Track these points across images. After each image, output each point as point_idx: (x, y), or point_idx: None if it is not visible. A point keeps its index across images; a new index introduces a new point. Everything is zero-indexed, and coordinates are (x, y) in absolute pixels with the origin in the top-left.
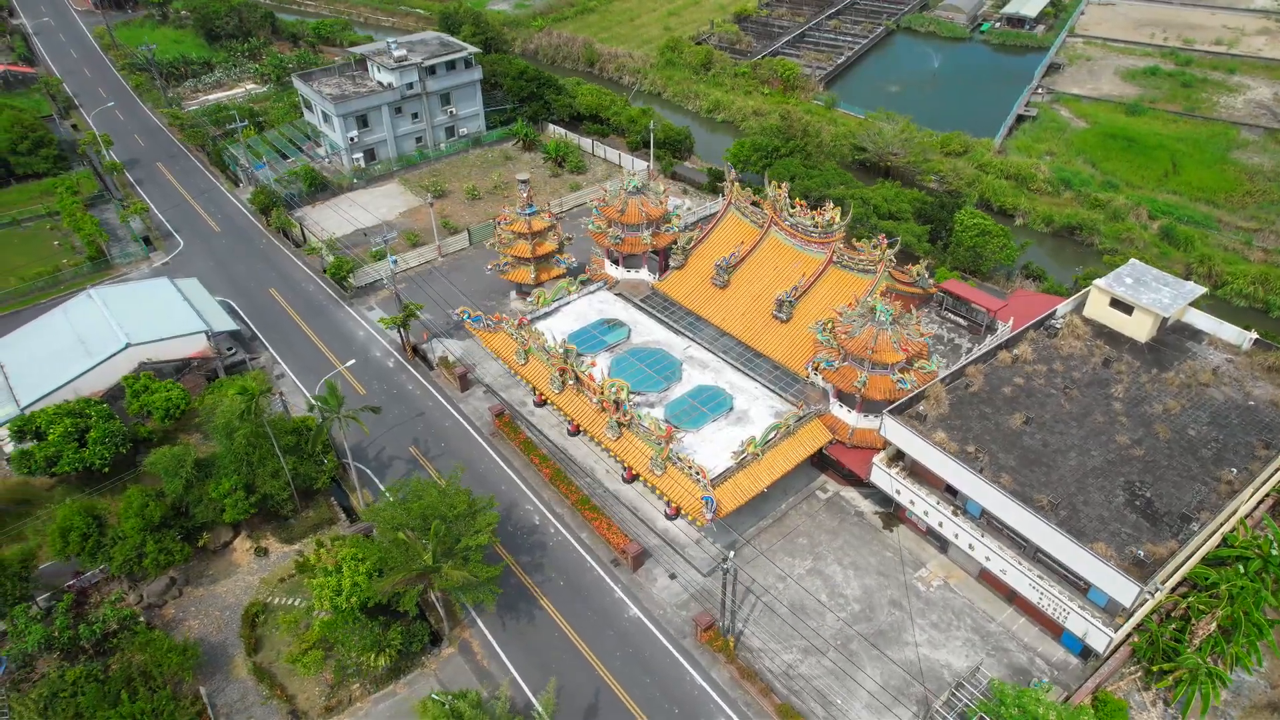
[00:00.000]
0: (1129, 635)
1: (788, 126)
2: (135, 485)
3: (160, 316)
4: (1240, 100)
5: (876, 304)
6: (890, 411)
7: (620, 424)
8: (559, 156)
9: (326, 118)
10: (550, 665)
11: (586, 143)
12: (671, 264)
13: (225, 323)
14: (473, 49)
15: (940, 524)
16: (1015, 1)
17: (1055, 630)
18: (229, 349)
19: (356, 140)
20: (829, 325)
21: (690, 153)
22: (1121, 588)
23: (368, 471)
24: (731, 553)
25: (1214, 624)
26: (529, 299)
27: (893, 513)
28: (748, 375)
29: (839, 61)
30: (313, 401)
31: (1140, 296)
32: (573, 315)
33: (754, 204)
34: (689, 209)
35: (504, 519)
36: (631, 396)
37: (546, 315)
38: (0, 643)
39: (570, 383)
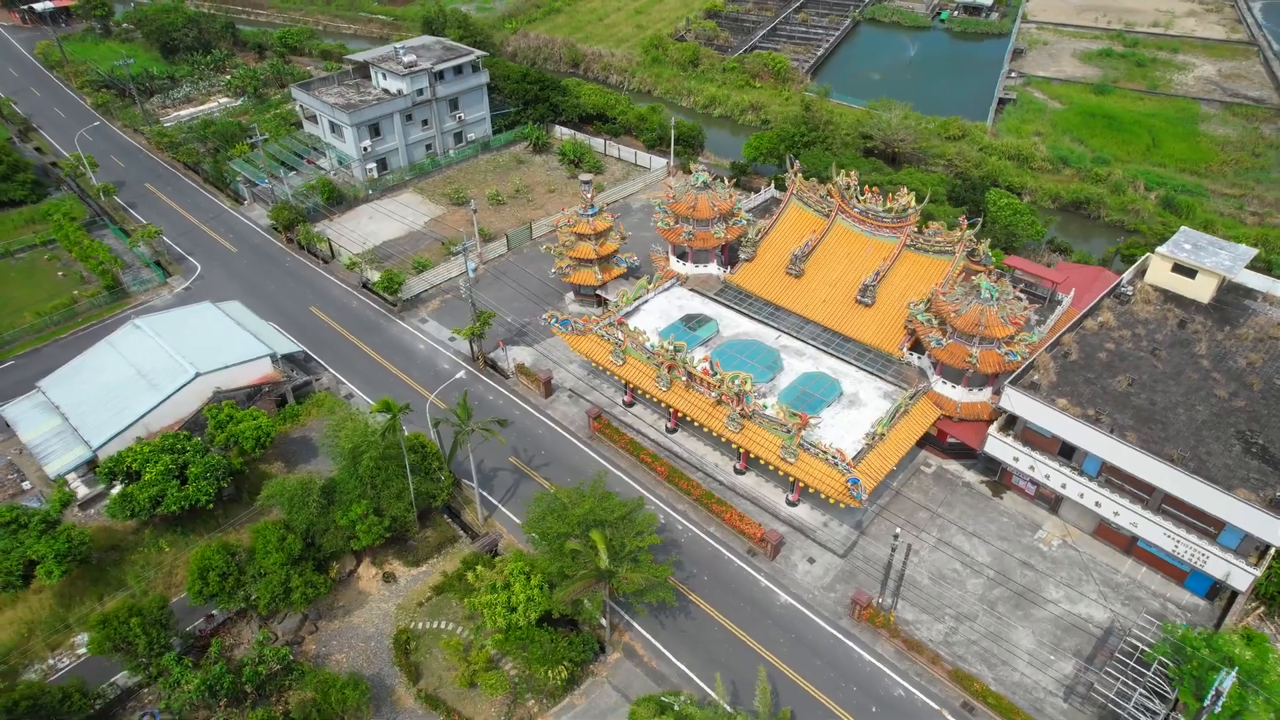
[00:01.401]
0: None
1: (810, 117)
2: (264, 520)
3: (219, 343)
4: (1191, 77)
5: (982, 282)
6: (1011, 383)
7: (743, 415)
8: (575, 157)
9: (335, 128)
10: (718, 659)
11: (598, 142)
12: (741, 256)
13: (286, 345)
14: (479, 53)
15: (1064, 485)
16: None
17: (1179, 576)
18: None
19: (370, 150)
20: (927, 304)
21: (702, 148)
22: (1270, 527)
23: (473, 485)
24: (899, 530)
25: None
26: (611, 300)
27: (999, 480)
28: (844, 360)
29: (819, 53)
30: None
31: (1203, 260)
32: (655, 313)
33: (825, 195)
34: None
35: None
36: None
37: (630, 315)
38: (138, 694)
39: (682, 379)
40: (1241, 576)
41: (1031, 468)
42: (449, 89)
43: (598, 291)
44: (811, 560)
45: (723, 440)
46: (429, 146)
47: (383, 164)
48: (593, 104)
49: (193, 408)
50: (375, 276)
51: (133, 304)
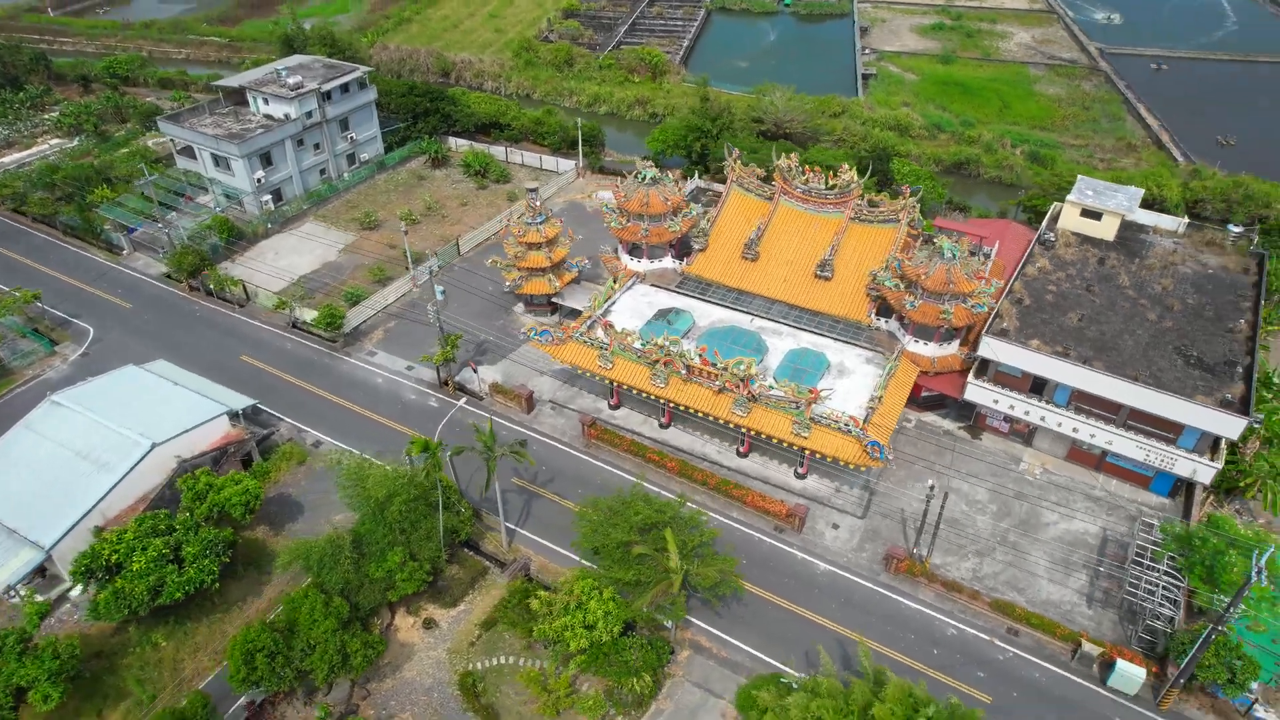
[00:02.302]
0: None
1: (709, 107)
2: (299, 589)
3: (163, 408)
4: (1013, 44)
5: (943, 243)
6: (987, 333)
7: (751, 399)
8: (480, 168)
9: (220, 161)
10: (784, 636)
11: (498, 151)
12: (695, 247)
13: (238, 399)
14: (365, 69)
15: (1043, 418)
16: None
17: (1144, 482)
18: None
19: (263, 181)
20: (895, 270)
21: (603, 147)
22: (1225, 423)
23: (497, 515)
24: (932, 481)
25: (1258, 441)
26: (575, 306)
27: (974, 425)
28: (820, 334)
29: (684, 44)
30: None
31: (1106, 203)
32: (627, 313)
33: (762, 179)
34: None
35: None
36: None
37: (603, 317)
38: None
39: (680, 372)
40: (1206, 471)
41: (1011, 406)
42: (338, 109)
43: (552, 299)
44: (835, 526)
45: (730, 426)
46: (323, 171)
47: (277, 194)
48: (485, 112)
49: (154, 483)
50: (310, 315)
51: (19, 381)
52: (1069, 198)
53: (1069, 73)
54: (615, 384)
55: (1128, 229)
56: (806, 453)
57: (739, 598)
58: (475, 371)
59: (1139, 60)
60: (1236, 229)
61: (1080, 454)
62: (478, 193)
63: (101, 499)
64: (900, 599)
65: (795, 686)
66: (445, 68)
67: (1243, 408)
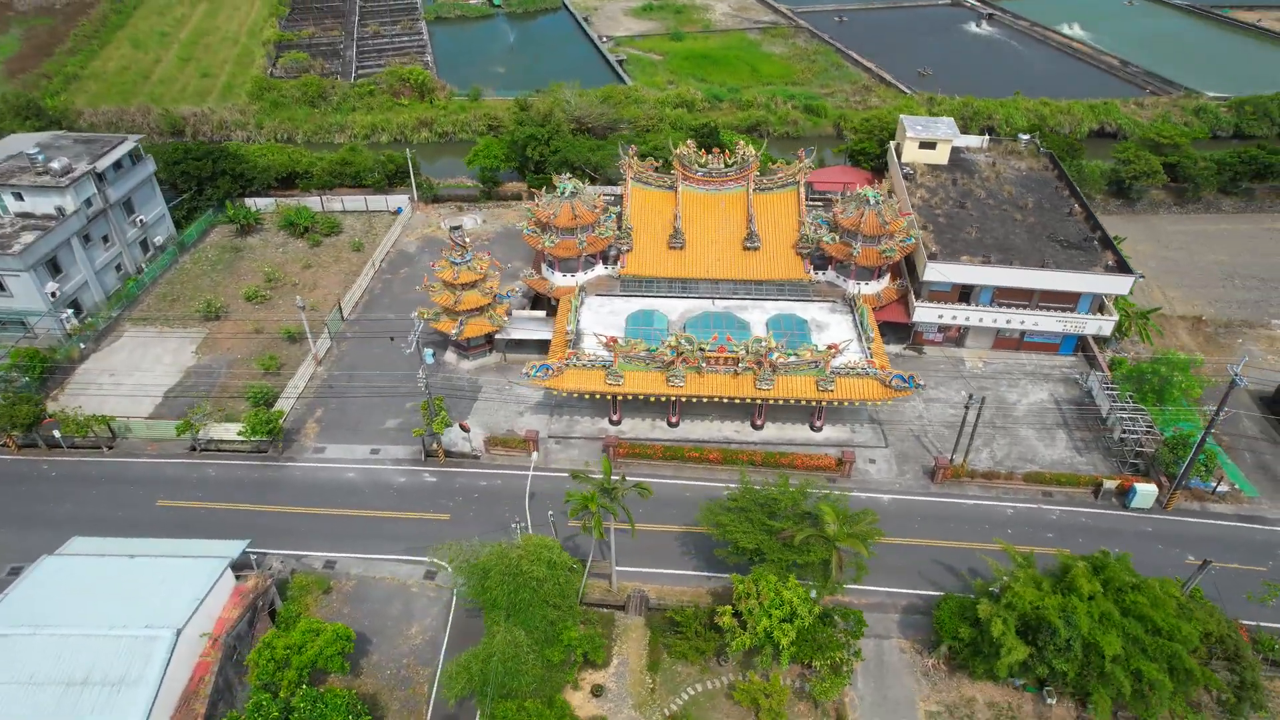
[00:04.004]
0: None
1: (531, 115)
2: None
3: (141, 588)
4: (719, 14)
5: (867, 192)
6: (930, 259)
7: (773, 370)
8: (306, 225)
9: None
10: (898, 568)
11: (313, 202)
12: (623, 249)
13: (221, 545)
14: (135, 137)
15: (981, 320)
16: None
17: (1054, 348)
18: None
19: (58, 295)
20: (830, 225)
21: (418, 174)
22: (1121, 283)
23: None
24: (970, 393)
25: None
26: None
27: (914, 343)
28: (778, 299)
29: (428, 59)
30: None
31: (938, 133)
32: (599, 327)
33: (657, 169)
34: (483, 220)
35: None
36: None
37: (579, 339)
38: None
39: (699, 366)
40: (1107, 325)
41: (954, 317)
42: (120, 190)
43: (495, 336)
44: (872, 461)
45: (755, 403)
46: (119, 267)
47: (75, 307)
48: (278, 163)
49: (183, 678)
50: (231, 429)
51: None
52: (909, 134)
53: (780, 33)
54: (617, 399)
55: (954, 152)
56: (823, 405)
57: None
58: (467, 431)
59: (824, 15)
60: (1025, 137)
61: (1004, 341)
62: (315, 251)
63: (150, 709)
64: (957, 500)
65: (974, 596)
66: (175, 125)
67: (1126, 268)
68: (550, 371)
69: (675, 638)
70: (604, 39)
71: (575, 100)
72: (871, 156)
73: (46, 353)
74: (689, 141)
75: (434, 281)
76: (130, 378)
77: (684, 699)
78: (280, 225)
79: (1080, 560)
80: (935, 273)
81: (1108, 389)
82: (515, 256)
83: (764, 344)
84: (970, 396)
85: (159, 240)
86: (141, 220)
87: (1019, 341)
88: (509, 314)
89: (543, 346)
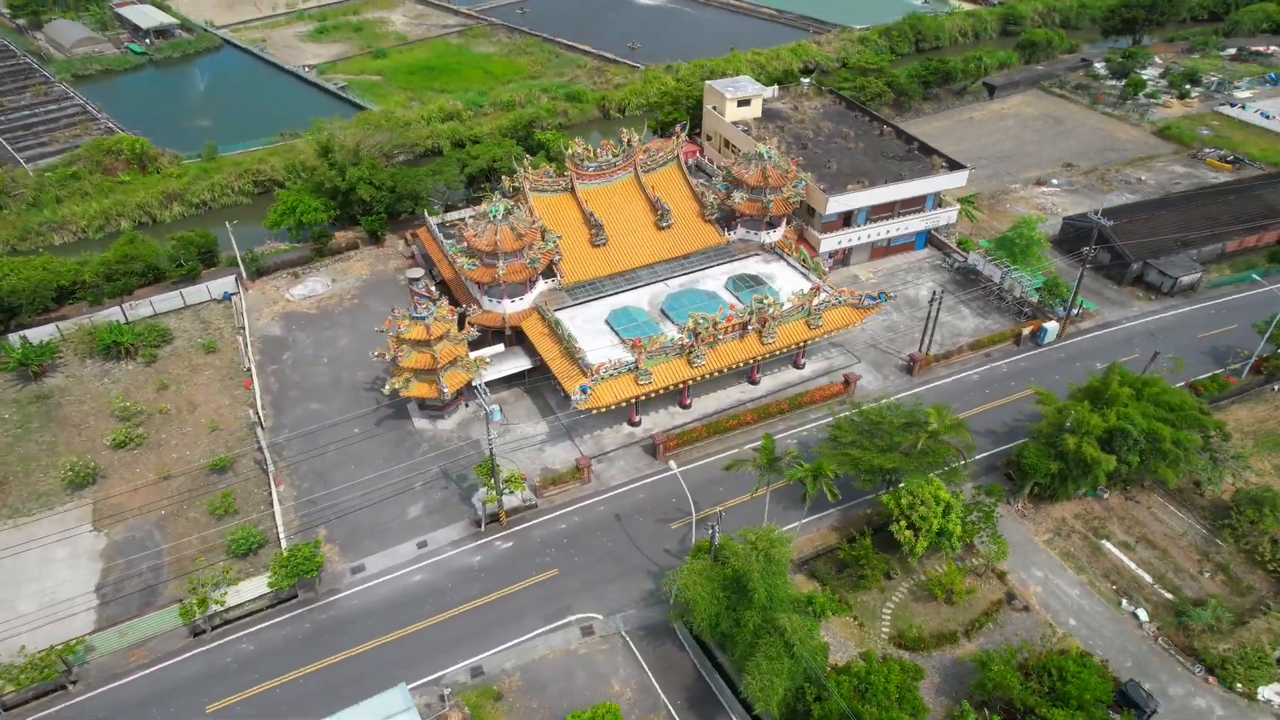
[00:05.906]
0: None
1: (334, 159)
2: None
3: None
4: (399, 26)
5: (762, 149)
6: (826, 194)
7: (775, 324)
8: (131, 345)
9: None
10: None
11: (113, 313)
12: (555, 258)
13: (393, 699)
14: None
15: (869, 236)
16: (134, 15)
17: (910, 247)
18: None
19: None
20: (733, 186)
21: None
22: (960, 177)
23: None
24: (937, 289)
25: None
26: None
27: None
28: (717, 264)
29: (107, 125)
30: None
31: (750, 91)
32: (588, 335)
33: (551, 174)
34: (332, 280)
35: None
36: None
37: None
38: None
39: (718, 339)
40: (952, 214)
41: (850, 240)
42: None
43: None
44: (860, 376)
45: (762, 359)
46: None
47: None
48: (40, 280)
49: None
50: (251, 588)
51: None
52: (728, 99)
53: (478, 33)
54: (638, 399)
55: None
56: (804, 345)
57: None
58: (525, 482)
59: (506, 9)
60: (806, 80)
61: (878, 250)
62: (158, 369)
63: None
64: (936, 383)
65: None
66: None
67: (957, 165)
68: (588, 392)
69: (848, 573)
70: (305, 68)
71: (347, 132)
72: (668, 129)
73: None
74: (577, 140)
75: (400, 346)
76: (31, 599)
77: (885, 619)
78: (90, 353)
79: (1112, 374)
80: (837, 204)
81: (990, 260)
82: (395, 302)
83: (765, 302)
84: (934, 293)
85: None
86: None
87: (886, 248)
88: (469, 353)
89: (510, 381)
